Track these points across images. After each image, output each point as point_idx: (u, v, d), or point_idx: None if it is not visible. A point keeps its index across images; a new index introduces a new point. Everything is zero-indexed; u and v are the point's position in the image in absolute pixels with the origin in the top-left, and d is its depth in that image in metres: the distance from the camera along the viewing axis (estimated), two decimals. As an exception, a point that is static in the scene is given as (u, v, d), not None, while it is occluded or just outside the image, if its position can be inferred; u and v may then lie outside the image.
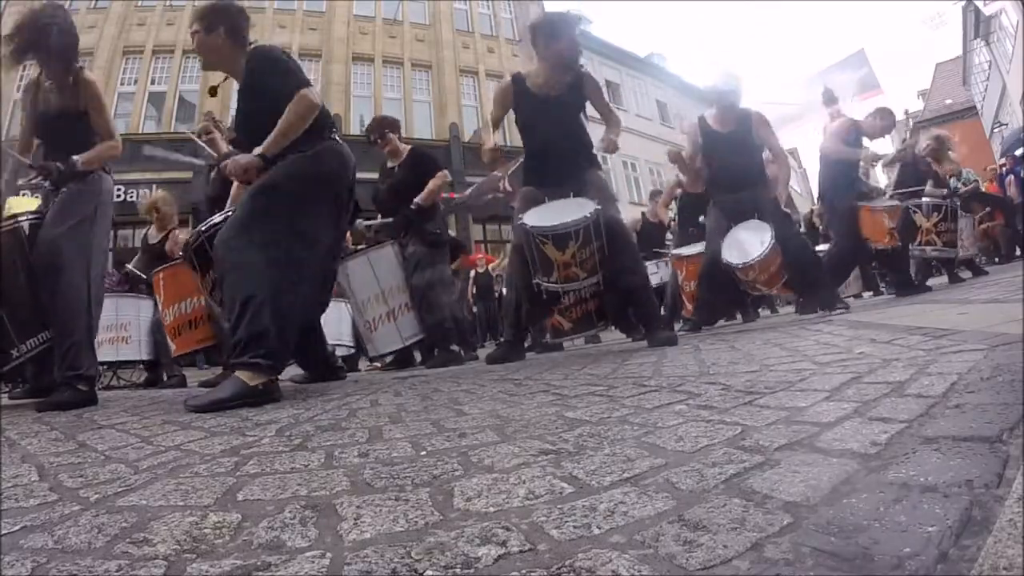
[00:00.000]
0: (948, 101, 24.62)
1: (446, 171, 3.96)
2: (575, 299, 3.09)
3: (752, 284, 3.62)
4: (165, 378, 4.16)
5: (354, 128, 13.42)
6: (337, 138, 2.18)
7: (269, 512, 0.69)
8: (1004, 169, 9.50)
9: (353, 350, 4.95)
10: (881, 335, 1.76)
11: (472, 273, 10.21)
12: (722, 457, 0.75)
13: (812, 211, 8.04)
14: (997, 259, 7.98)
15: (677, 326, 4.41)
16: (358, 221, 4.02)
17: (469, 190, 3.20)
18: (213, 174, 3.69)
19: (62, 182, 2.20)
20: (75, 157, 2.18)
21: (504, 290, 4.67)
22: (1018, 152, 9.25)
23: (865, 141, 4.33)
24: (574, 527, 0.57)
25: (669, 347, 2.52)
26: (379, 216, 3.86)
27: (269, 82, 2.03)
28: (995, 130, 18.44)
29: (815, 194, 5.96)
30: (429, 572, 0.51)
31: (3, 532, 0.67)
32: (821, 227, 6.78)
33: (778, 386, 1.17)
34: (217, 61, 2.13)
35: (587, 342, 4.97)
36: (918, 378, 1.03)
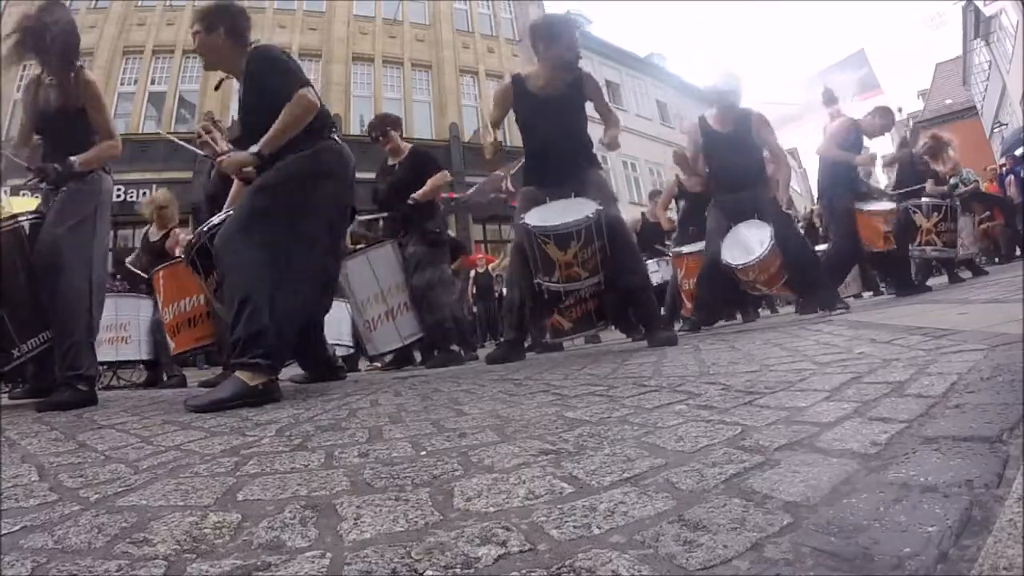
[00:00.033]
0: (948, 101, 24.63)
1: (446, 171, 3.96)
2: (575, 299, 3.10)
3: (752, 284, 3.62)
4: (165, 378, 4.16)
5: (354, 128, 13.42)
6: (336, 138, 2.18)
7: (269, 512, 0.69)
8: (1004, 169, 9.50)
9: (352, 350, 4.95)
10: (881, 335, 1.76)
11: (472, 273, 10.21)
12: (722, 457, 0.75)
13: (812, 211, 8.04)
14: (997, 259, 7.98)
15: (676, 326, 4.41)
16: (357, 218, 4.03)
17: (472, 189, 3.20)
18: (213, 172, 3.69)
19: (60, 183, 2.20)
20: (72, 158, 2.18)
21: (504, 290, 4.67)
22: (1018, 152, 9.24)
23: (866, 141, 4.33)
24: (574, 527, 0.57)
25: (669, 347, 2.52)
26: (378, 210, 3.86)
27: (269, 82, 2.04)
28: (995, 130, 18.45)
29: (815, 194, 5.96)
30: (429, 572, 0.51)
31: (3, 532, 0.67)
32: (821, 227, 6.78)
33: (778, 386, 1.17)
34: (218, 61, 2.14)
35: (587, 342, 4.98)
36: (918, 378, 1.03)
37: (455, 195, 12.64)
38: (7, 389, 3.17)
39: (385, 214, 3.73)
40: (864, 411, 0.87)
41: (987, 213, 7.60)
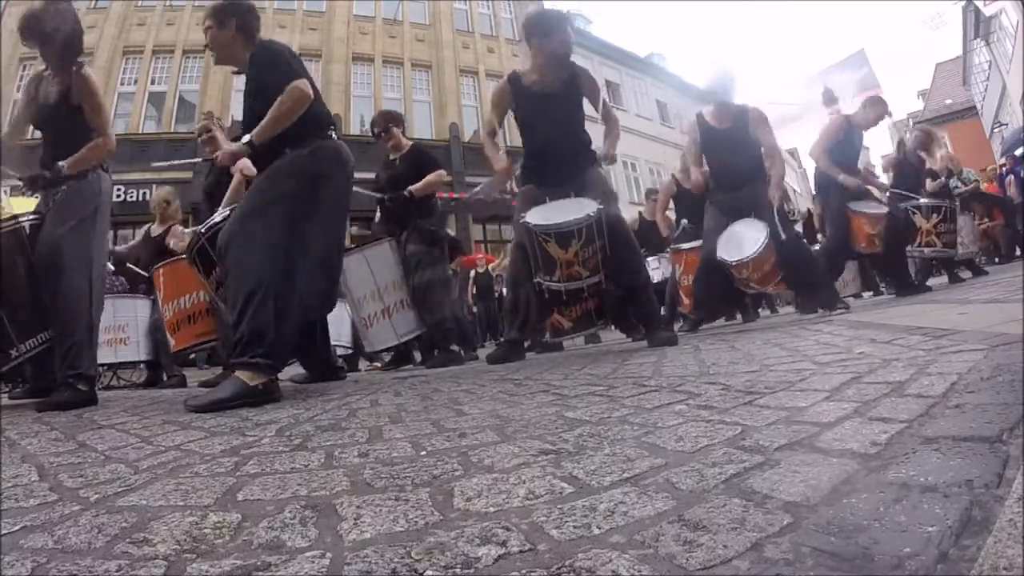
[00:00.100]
0: (948, 101, 24.63)
1: (444, 171, 3.97)
2: (576, 297, 3.10)
3: (746, 282, 3.62)
4: (165, 378, 4.16)
5: (354, 128, 13.42)
6: (334, 136, 2.18)
7: (269, 512, 0.69)
8: (1004, 169, 9.50)
9: (351, 351, 4.95)
10: (881, 335, 1.76)
11: (472, 273, 10.22)
12: (722, 457, 0.75)
13: (808, 210, 8.03)
14: (997, 259, 7.98)
15: (676, 325, 4.41)
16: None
17: (478, 188, 3.19)
18: (208, 169, 3.71)
19: (51, 187, 2.22)
20: (60, 163, 2.20)
21: (504, 290, 4.67)
22: (1018, 152, 9.25)
23: (866, 140, 4.32)
24: (574, 527, 0.57)
25: (669, 347, 2.52)
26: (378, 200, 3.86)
27: (270, 76, 2.06)
28: (995, 130, 18.45)
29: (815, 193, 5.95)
30: (429, 572, 0.51)
31: (3, 532, 0.67)
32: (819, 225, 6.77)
33: (778, 386, 1.17)
34: (228, 56, 2.19)
35: (587, 342, 4.98)
36: (918, 378, 1.03)
37: (455, 195, 12.65)
38: (7, 389, 3.17)
39: (384, 196, 3.72)
40: (864, 411, 0.87)
41: (985, 220, 7.60)
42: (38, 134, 2.36)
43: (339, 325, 4.62)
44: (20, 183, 2.26)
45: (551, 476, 0.74)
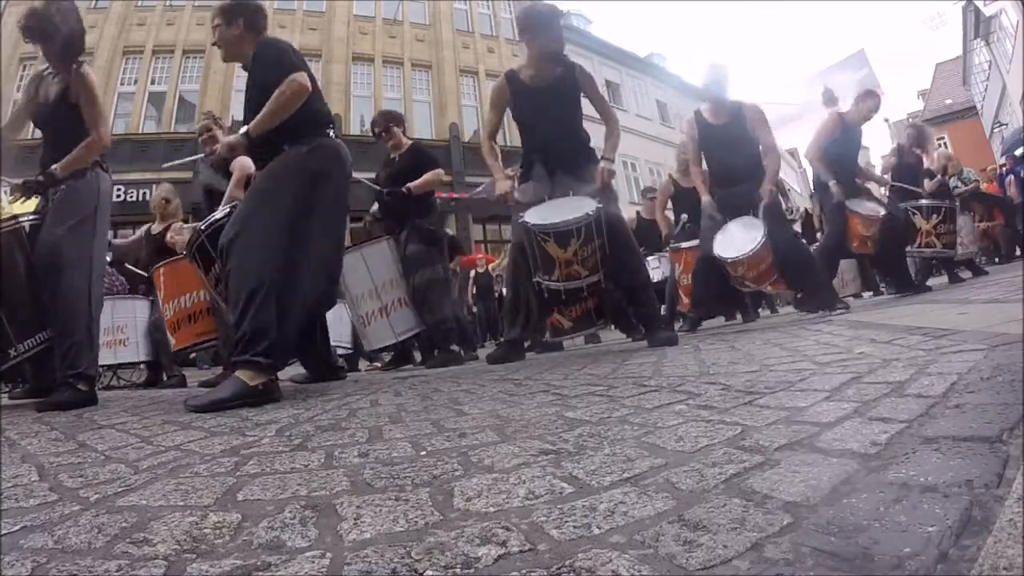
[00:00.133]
0: (948, 101, 24.63)
1: (443, 170, 3.97)
2: (576, 297, 3.09)
3: (741, 280, 3.62)
4: (165, 378, 4.16)
5: (354, 128, 13.42)
6: (332, 134, 2.19)
7: (269, 512, 0.69)
8: (1004, 169, 9.50)
9: (351, 351, 4.95)
10: (881, 335, 1.76)
11: (472, 273, 10.21)
12: (722, 457, 0.75)
13: (807, 210, 8.02)
14: (997, 259, 7.98)
15: (676, 325, 4.40)
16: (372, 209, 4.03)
17: (481, 186, 3.19)
18: (209, 166, 3.72)
19: (46, 191, 2.22)
20: (53, 166, 2.20)
21: (504, 290, 4.67)
22: (1018, 152, 9.25)
23: (866, 141, 4.31)
24: (574, 527, 0.57)
25: (669, 347, 2.52)
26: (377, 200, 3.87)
27: (270, 70, 2.07)
28: (995, 130, 18.45)
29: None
30: (429, 572, 0.51)
31: (3, 532, 0.67)
32: (818, 225, 6.77)
33: (778, 386, 1.17)
34: (236, 53, 2.22)
35: (587, 342, 4.97)
36: (918, 378, 1.03)
37: (455, 195, 12.64)
38: (7, 389, 3.17)
39: (384, 189, 3.72)
40: (864, 411, 0.87)
41: (985, 220, 7.59)
42: (39, 133, 2.36)
43: (339, 325, 4.62)
44: (16, 191, 2.26)
45: (551, 476, 0.74)
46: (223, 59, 2.32)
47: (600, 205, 2.63)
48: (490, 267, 10.10)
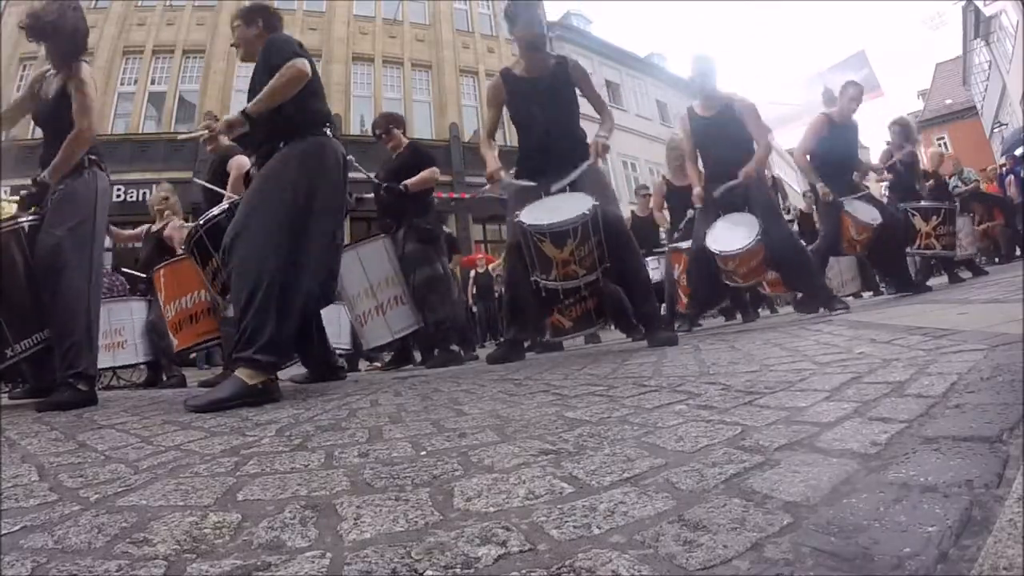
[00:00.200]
0: (948, 101, 24.64)
1: (437, 169, 3.98)
2: (575, 297, 3.09)
3: (731, 275, 3.62)
4: (164, 378, 4.16)
5: (354, 128, 13.42)
6: (328, 133, 2.19)
7: (269, 512, 0.69)
8: (1004, 169, 9.51)
9: (351, 351, 4.95)
10: (881, 335, 1.76)
11: (472, 273, 10.22)
12: (722, 457, 0.75)
13: (801, 211, 8.01)
14: (997, 259, 7.98)
15: (675, 325, 4.40)
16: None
17: (486, 185, 3.19)
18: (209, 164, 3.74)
19: (41, 198, 2.23)
20: (42, 175, 2.21)
21: (504, 289, 4.67)
22: (1018, 152, 9.25)
23: (864, 140, 4.30)
24: (574, 527, 0.57)
25: (669, 347, 2.52)
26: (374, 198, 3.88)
27: (273, 57, 2.11)
28: (995, 130, 18.46)
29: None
30: (429, 572, 0.51)
31: (3, 532, 0.67)
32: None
33: (778, 386, 1.17)
34: (253, 53, 2.27)
35: (587, 342, 4.97)
36: (918, 378, 1.03)
37: (455, 195, 12.63)
38: (7, 389, 3.17)
39: (382, 184, 3.73)
40: (864, 411, 0.87)
41: (985, 222, 7.59)
42: (39, 133, 2.36)
43: (338, 327, 4.62)
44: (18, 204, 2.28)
45: (551, 476, 0.74)
46: (241, 59, 2.40)
47: (596, 203, 2.62)
48: (490, 267, 10.10)
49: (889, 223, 4.19)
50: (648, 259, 4.62)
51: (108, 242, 3.52)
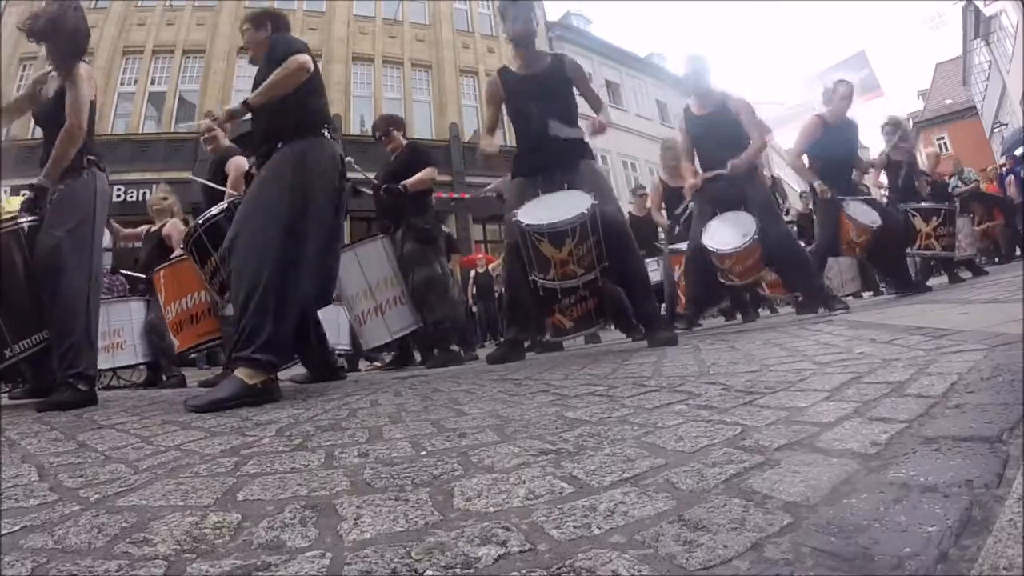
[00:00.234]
0: (948, 101, 24.64)
1: (435, 168, 3.99)
2: (575, 297, 3.09)
3: (727, 273, 3.61)
4: (164, 378, 4.16)
5: (354, 128, 13.42)
6: (327, 134, 2.20)
7: (269, 512, 0.69)
8: (1004, 169, 9.50)
9: (351, 351, 4.95)
10: (881, 335, 1.76)
11: (472, 273, 10.21)
12: (722, 457, 0.75)
13: (799, 212, 8.01)
14: (997, 259, 7.98)
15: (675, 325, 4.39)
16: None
17: (491, 184, 3.20)
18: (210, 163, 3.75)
19: (40, 203, 2.23)
20: (39, 179, 2.20)
21: (503, 289, 4.67)
22: (1018, 152, 9.24)
23: (864, 140, 4.30)
24: (574, 527, 0.57)
25: (669, 347, 2.52)
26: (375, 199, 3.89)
27: (277, 51, 2.14)
28: (995, 130, 18.46)
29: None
30: (429, 572, 0.51)
31: (3, 532, 0.67)
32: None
33: (778, 386, 1.17)
34: (262, 56, 2.30)
35: (587, 342, 4.97)
36: (918, 378, 1.03)
37: (455, 195, 12.62)
38: (7, 389, 3.17)
39: (382, 185, 3.73)
40: (864, 411, 0.87)
41: (985, 222, 7.59)
42: (39, 133, 2.37)
43: (338, 328, 4.63)
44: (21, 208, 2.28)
45: (551, 476, 0.74)
46: (250, 62, 2.45)
47: (595, 201, 2.61)
48: (490, 267, 10.10)
49: (889, 225, 4.16)
50: (649, 260, 4.63)
51: (108, 241, 3.53)
